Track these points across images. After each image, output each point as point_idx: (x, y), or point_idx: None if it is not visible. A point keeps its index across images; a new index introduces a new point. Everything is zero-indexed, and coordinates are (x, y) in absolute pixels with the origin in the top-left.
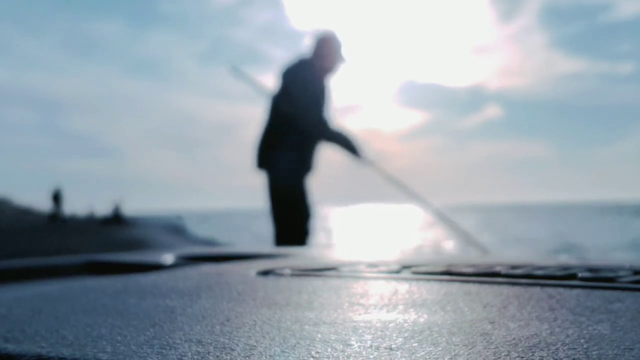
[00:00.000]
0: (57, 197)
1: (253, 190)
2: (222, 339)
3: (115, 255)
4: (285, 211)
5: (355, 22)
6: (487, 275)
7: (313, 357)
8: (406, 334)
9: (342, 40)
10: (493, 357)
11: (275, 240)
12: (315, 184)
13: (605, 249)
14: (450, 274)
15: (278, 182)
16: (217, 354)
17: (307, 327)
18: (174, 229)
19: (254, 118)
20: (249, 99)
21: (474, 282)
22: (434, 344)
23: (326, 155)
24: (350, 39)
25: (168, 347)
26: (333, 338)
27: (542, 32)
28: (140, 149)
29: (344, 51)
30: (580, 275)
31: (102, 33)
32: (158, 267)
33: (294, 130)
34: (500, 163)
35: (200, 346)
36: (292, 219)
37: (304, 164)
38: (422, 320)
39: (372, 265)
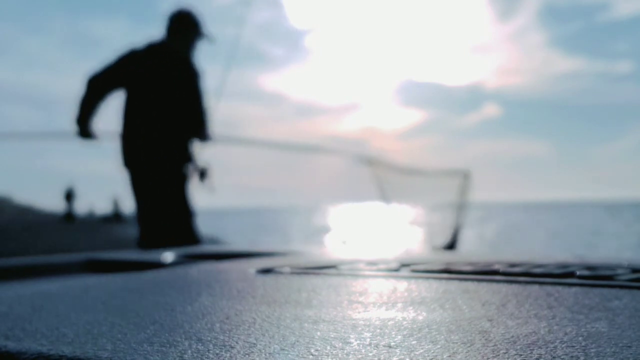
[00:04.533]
0: (69, 196)
1: (252, 190)
2: (221, 337)
3: (116, 254)
4: (166, 206)
5: (354, 21)
6: (486, 273)
7: (312, 354)
8: (405, 332)
9: (198, 16)
10: (491, 355)
11: (143, 238)
12: (314, 185)
13: None
14: (448, 272)
15: (162, 176)
16: (217, 351)
17: (306, 325)
18: None
19: (254, 118)
20: (249, 99)
21: (472, 280)
22: (432, 342)
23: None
24: (351, 37)
25: (168, 345)
26: (332, 336)
27: (540, 31)
28: None
29: (202, 27)
30: (578, 273)
31: (103, 32)
32: (158, 265)
33: (171, 122)
34: (498, 162)
35: (200, 344)
36: (175, 215)
37: (184, 156)
38: (420, 318)
39: (371, 263)
